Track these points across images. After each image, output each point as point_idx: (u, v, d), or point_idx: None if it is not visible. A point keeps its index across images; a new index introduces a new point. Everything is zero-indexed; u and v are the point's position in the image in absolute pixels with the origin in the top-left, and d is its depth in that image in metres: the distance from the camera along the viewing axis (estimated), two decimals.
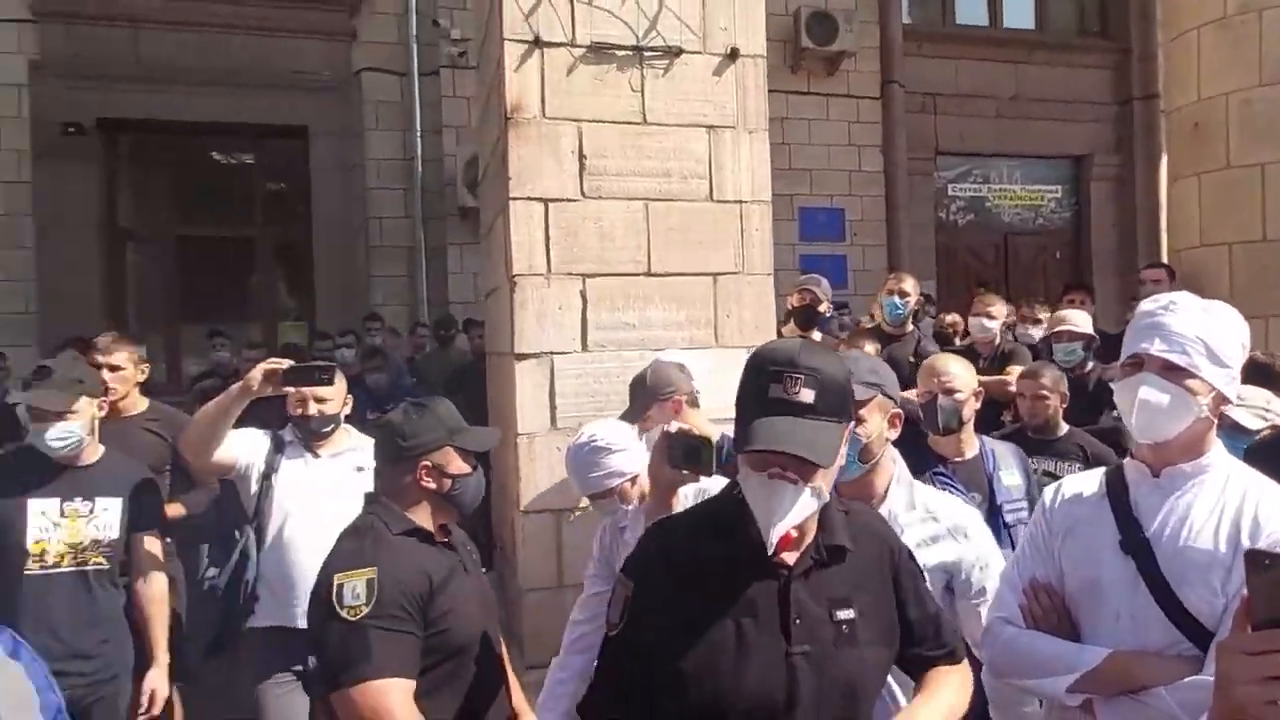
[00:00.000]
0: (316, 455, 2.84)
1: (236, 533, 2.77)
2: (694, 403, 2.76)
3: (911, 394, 3.86)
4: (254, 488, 2.77)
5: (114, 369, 3.27)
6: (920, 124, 9.33)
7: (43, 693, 0.71)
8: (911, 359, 4.25)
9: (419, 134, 8.11)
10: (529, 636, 3.12)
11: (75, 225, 7.45)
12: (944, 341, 5.26)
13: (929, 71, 9.34)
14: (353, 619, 1.66)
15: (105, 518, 2.68)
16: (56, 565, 2.60)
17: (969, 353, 4.23)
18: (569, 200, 3.21)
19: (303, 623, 2.68)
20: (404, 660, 1.69)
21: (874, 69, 9.00)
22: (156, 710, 2.81)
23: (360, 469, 2.83)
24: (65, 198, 7.40)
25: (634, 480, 2.27)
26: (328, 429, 2.84)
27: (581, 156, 3.22)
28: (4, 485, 2.60)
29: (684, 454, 1.83)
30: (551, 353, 3.16)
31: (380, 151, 8.21)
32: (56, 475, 2.65)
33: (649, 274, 3.29)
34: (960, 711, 1.46)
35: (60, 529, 2.61)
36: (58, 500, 2.62)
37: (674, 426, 2.09)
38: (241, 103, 7.83)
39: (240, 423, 2.75)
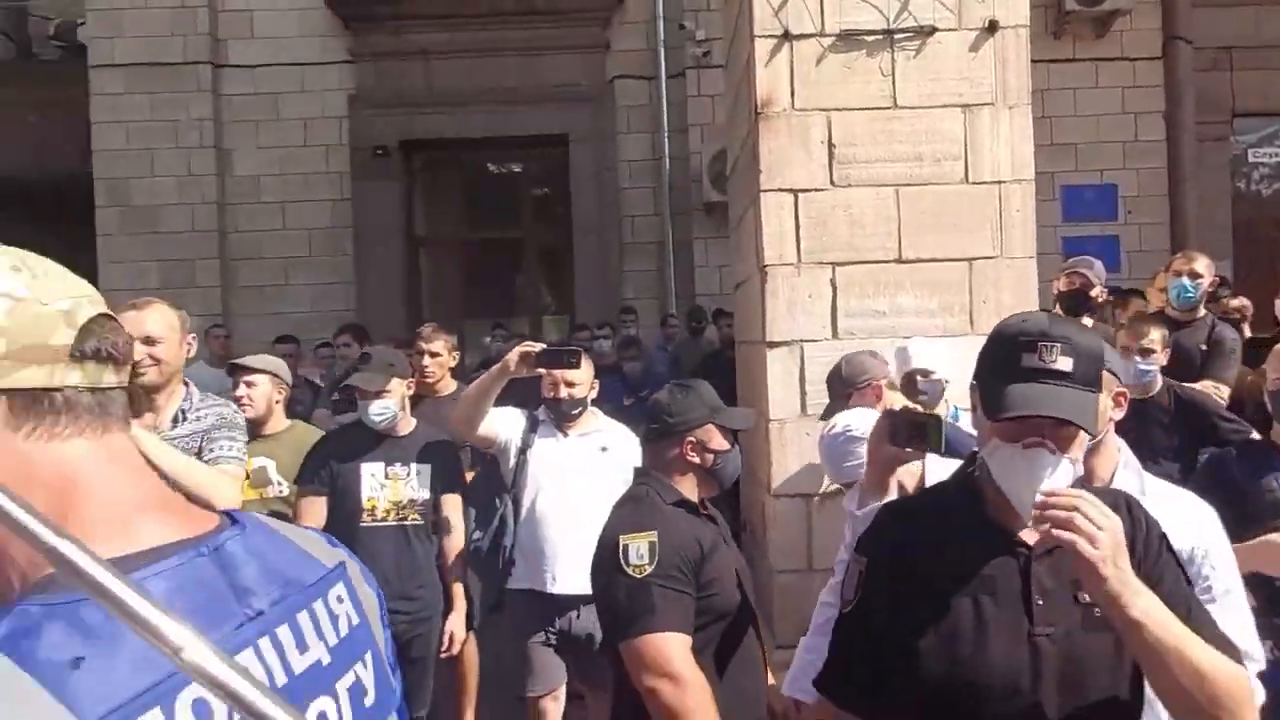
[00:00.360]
0: (566, 435, 3.04)
1: (497, 501, 3.03)
2: (893, 387, 2.73)
3: (1206, 385, 3.42)
4: (511, 461, 3.02)
5: (433, 355, 3.70)
6: (1212, 83, 8.12)
7: (364, 572, 0.88)
8: (1203, 347, 3.76)
9: (666, 134, 8.37)
10: (778, 617, 3.15)
11: (382, 234, 8.53)
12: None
13: (1222, 24, 8.09)
14: (638, 577, 1.78)
15: (418, 480, 3.07)
16: (384, 520, 3.02)
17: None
18: (818, 190, 3.18)
19: (553, 587, 2.91)
20: (683, 617, 1.79)
21: (1153, 26, 7.96)
22: (455, 650, 3.18)
23: (604, 449, 3.02)
24: (375, 211, 8.50)
25: None
26: (576, 411, 3.02)
27: (831, 146, 3.18)
28: (343, 451, 3.07)
29: (908, 433, 1.79)
30: (801, 340, 3.16)
31: (631, 153, 8.58)
32: (380, 443, 3.08)
33: (899, 261, 3.18)
34: (1222, 685, 1.17)
35: (385, 489, 3.03)
36: (382, 464, 3.05)
37: (897, 405, 2.03)
38: (512, 117, 8.53)
39: (502, 404, 3.00)
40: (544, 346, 2.91)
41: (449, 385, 3.88)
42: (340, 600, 0.80)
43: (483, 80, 8.47)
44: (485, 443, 3.06)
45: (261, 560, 0.74)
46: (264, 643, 0.71)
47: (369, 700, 0.80)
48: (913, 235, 3.17)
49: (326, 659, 0.76)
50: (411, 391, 3.24)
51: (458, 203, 9.56)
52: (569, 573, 2.87)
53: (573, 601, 2.91)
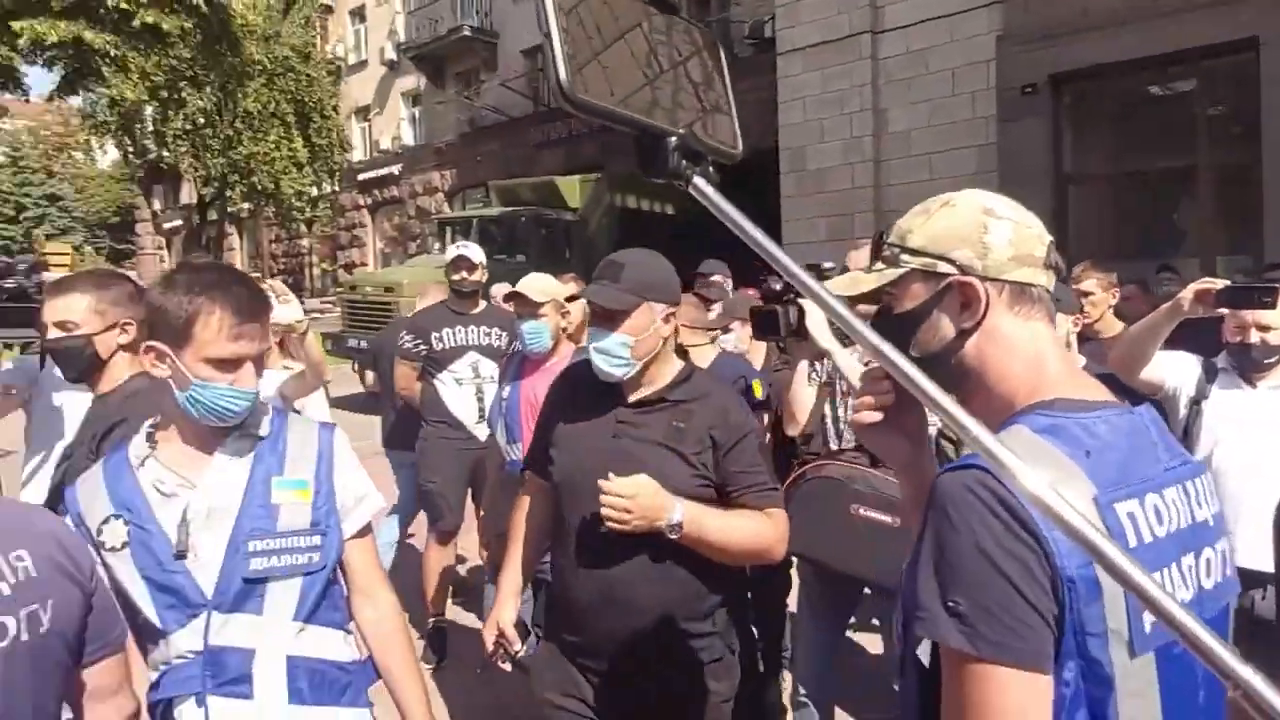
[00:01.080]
0: (1254, 386, 2.59)
1: None
2: None
3: None
4: (1181, 412, 2.69)
5: (1085, 294, 3.56)
6: None
7: None
8: None
9: None
10: None
11: (1029, 175, 8.17)
12: None
13: None
14: None
15: None
16: None
17: None
18: None
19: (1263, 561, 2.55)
20: None
21: None
22: None
23: None
24: (1021, 152, 8.18)
25: None
26: (1270, 359, 2.54)
27: None
28: None
29: None
30: None
31: None
32: None
33: None
34: None
35: None
36: None
37: None
38: (1180, 29, 7.25)
39: (1171, 347, 2.65)
40: (1227, 283, 2.54)
41: (1112, 325, 3.65)
42: (1206, 489, 0.94)
43: None
44: (1149, 388, 2.82)
45: (1160, 431, 0.92)
46: (1177, 487, 0.88)
47: (1229, 571, 0.92)
48: None
49: (1210, 521, 0.91)
50: (1078, 329, 3.16)
51: (1111, 134, 8.57)
52: (1254, 545, 2.52)
53: (1258, 578, 2.55)
